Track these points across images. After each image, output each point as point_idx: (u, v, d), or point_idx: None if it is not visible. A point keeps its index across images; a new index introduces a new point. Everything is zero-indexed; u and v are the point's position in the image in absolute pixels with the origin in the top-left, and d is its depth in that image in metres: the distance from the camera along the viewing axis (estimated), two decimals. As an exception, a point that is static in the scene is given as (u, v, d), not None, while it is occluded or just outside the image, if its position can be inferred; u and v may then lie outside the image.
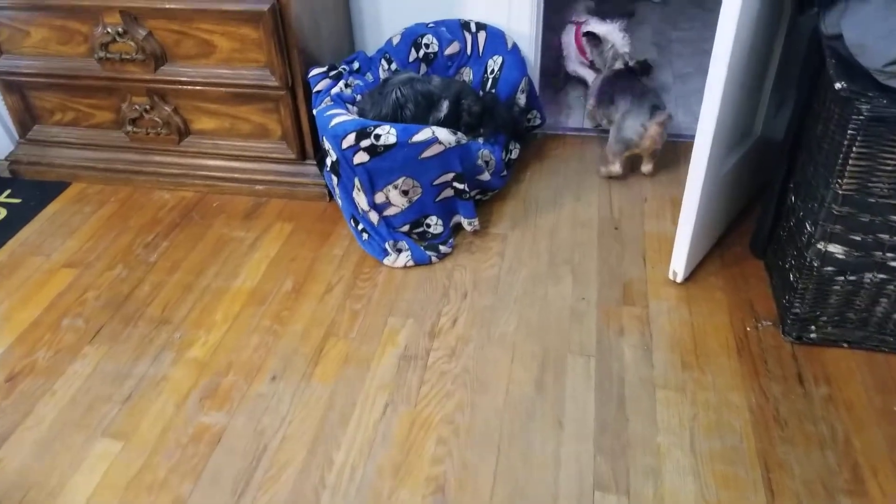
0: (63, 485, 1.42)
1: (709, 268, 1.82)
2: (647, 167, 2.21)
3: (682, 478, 1.34)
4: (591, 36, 2.35)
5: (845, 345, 1.56)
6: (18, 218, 2.21)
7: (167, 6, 1.97)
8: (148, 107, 2.20)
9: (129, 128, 2.25)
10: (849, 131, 1.26)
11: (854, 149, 1.28)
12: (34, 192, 2.33)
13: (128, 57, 2.08)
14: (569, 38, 2.53)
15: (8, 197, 2.32)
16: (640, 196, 2.13)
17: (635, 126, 2.08)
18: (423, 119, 1.97)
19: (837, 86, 1.24)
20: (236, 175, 2.26)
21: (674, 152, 2.31)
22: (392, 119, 1.94)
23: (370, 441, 1.47)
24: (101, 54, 2.08)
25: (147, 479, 1.42)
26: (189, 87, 2.12)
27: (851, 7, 1.28)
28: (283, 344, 1.71)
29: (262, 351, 1.69)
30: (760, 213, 1.78)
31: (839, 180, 1.33)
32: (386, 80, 2.06)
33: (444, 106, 1.96)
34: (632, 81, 2.24)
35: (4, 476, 1.43)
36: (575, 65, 2.59)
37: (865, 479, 1.33)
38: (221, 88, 2.10)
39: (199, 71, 2.08)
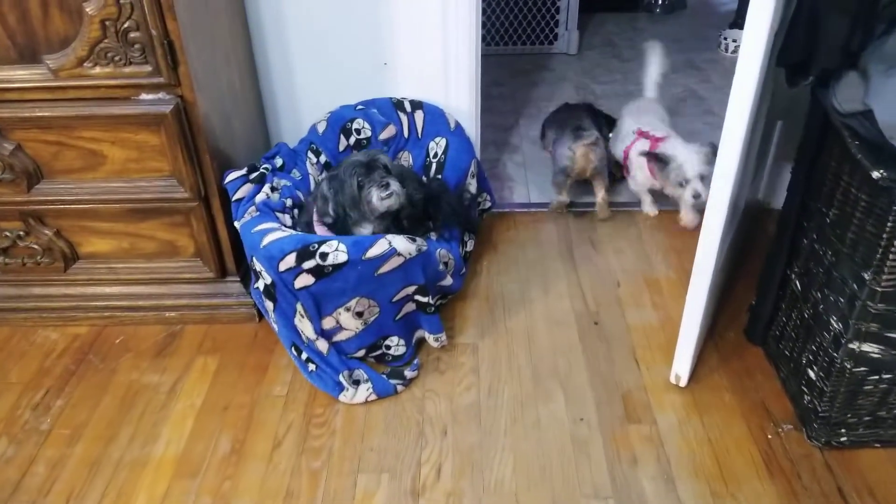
0: None
1: (708, 362, 1.66)
2: (599, 194, 2.18)
3: None
4: (655, 158, 2.04)
5: (878, 445, 1.42)
6: None
7: (38, 114, 1.60)
8: (22, 232, 1.79)
9: (0, 258, 1.83)
10: (888, 223, 1.12)
11: (896, 242, 1.14)
12: None
13: (-10, 177, 1.68)
14: (640, 161, 2.12)
15: None
16: (612, 280, 1.95)
17: (563, 151, 2.12)
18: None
19: (875, 175, 1.10)
20: (141, 302, 1.89)
21: (632, 223, 2.17)
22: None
23: None
24: (-45, 176, 1.67)
25: None
26: (74, 206, 1.74)
27: (876, 84, 1.15)
28: (232, 531, 1.36)
29: (204, 545, 1.34)
30: (757, 297, 1.63)
31: (877, 276, 1.18)
32: (340, 164, 1.75)
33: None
34: (566, 113, 2.29)
35: None
36: (638, 186, 2.20)
37: None
38: (115, 205, 1.73)
39: (84, 187, 1.71)
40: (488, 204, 2.14)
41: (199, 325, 1.87)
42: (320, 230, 1.72)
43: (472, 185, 1.98)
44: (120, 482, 1.47)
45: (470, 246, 1.98)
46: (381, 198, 1.65)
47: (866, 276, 1.20)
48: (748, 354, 1.68)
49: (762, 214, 2.15)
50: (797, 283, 1.47)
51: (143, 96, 1.57)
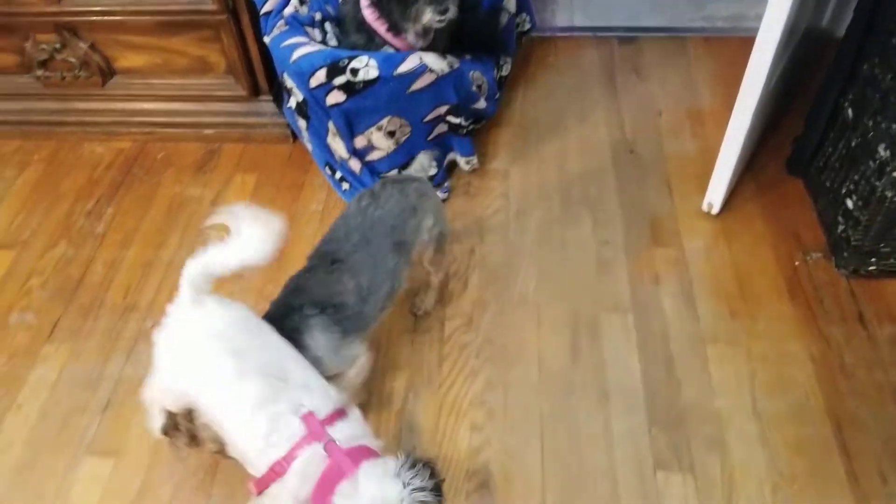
0: (55, 518, 1.22)
1: (743, 192, 1.63)
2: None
3: (749, 448, 1.22)
4: None
5: (905, 274, 1.42)
6: (-77, 193, 1.84)
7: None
8: (58, 45, 1.79)
9: (40, 72, 1.85)
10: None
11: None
12: (-64, 156, 1.94)
13: (21, -15, 1.65)
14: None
15: None
16: (653, 109, 1.88)
17: None
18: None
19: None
20: (179, 119, 1.91)
21: (681, 51, 2.05)
22: None
23: (396, 434, 1.30)
24: (-14, -17, 1.64)
25: (150, 499, 1.24)
26: (105, 17, 1.71)
27: None
28: (274, 328, 1.48)
29: (250, 338, 1.46)
30: (805, 127, 1.56)
31: (933, 101, 1.11)
32: None
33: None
34: None
35: (-18, 514, 1.23)
36: None
37: (946, 430, 1.24)
38: (146, 17, 1.70)
39: (113, -3, 1.68)
40: (528, 26, 2.02)
41: (235, 144, 1.90)
42: (369, 14, 1.62)
43: (512, 3, 1.86)
44: (172, 282, 1.57)
45: (506, 70, 1.91)
46: (434, 20, 1.54)
47: (924, 99, 1.13)
48: (787, 186, 1.64)
49: (823, 44, 1.99)
50: (849, 110, 1.39)
51: None
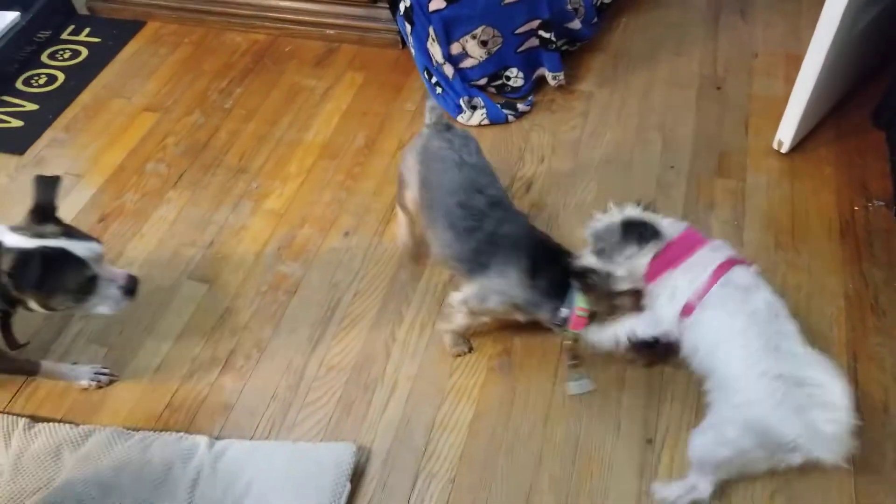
0: (156, 322, 1.51)
1: (820, 138, 1.63)
2: None
3: (759, 362, 1.29)
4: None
5: (969, 233, 1.40)
6: (99, 58, 2.20)
7: None
8: (214, -60, 2.06)
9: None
10: None
11: None
12: (111, 31, 2.30)
13: None
14: None
15: (88, 36, 2.30)
16: (750, 50, 1.88)
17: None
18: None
19: None
20: (307, 18, 2.14)
21: (796, -1, 2.01)
22: None
23: (440, 301, 1.48)
24: None
25: (230, 322, 1.50)
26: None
27: None
28: (356, 201, 1.69)
29: (335, 206, 1.69)
30: (892, 78, 1.53)
31: None
32: None
33: None
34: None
35: (103, 311, 1.54)
36: None
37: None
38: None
39: None
40: (641, -41, 2.06)
41: (352, 45, 2.11)
42: None
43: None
44: (279, 153, 1.84)
45: (608, -3, 1.97)
46: None
47: None
48: (868, 137, 1.62)
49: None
50: (941, 57, 1.36)
51: None
